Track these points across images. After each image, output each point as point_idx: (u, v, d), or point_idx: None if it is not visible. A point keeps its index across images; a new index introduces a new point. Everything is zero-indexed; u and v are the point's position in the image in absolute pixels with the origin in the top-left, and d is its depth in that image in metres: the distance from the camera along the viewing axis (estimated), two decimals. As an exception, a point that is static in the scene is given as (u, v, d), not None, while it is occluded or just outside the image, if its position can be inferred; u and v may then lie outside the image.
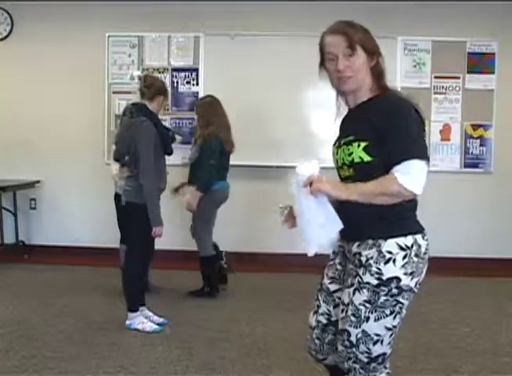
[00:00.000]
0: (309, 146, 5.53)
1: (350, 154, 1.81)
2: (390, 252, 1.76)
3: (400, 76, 5.36)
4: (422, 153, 1.72)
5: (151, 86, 3.63)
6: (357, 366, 1.84)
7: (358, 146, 1.78)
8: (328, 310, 1.99)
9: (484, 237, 5.48)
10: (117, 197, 3.85)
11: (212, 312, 4.00)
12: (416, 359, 3.17)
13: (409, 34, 5.24)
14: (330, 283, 2.00)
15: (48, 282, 4.71)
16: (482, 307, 4.22)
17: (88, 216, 5.69)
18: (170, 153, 3.81)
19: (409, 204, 1.78)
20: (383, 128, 1.74)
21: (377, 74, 1.86)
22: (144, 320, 3.58)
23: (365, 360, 1.82)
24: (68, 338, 3.40)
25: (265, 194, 5.43)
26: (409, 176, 1.68)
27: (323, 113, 5.45)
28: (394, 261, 1.75)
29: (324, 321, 2.00)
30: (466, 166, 5.51)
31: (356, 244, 1.85)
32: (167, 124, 5.55)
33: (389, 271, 1.75)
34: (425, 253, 1.80)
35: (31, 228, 5.82)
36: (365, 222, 1.81)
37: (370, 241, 1.79)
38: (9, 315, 3.81)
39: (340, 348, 1.88)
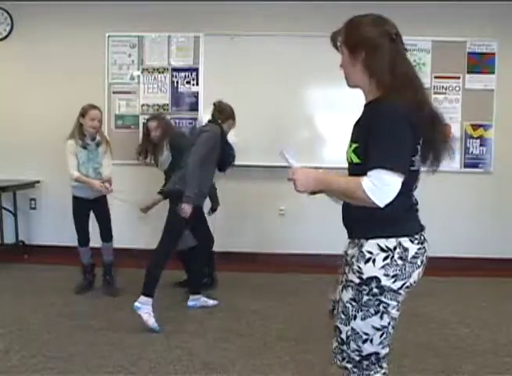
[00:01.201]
0: (310, 146, 5.53)
1: (347, 153, 1.84)
2: (370, 252, 1.76)
3: (400, 76, 5.36)
4: (396, 166, 1.65)
5: (223, 111, 4.16)
6: (350, 365, 1.87)
7: (350, 146, 1.80)
8: (334, 297, 2.05)
9: (484, 237, 5.48)
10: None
11: (212, 312, 4.01)
12: (416, 359, 3.17)
13: (409, 34, 5.17)
14: (340, 273, 2.04)
15: (48, 282, 4.71)
16: (482, 307, 4.23)
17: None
18: (222, 170, 4.18)
19: (400, 206, 1.71)
20: (369, 131, 1.70)
21: (367, 71, 1.78)
22: (151, 312, 3.61)
23: (357, 358, 1.84)
24: (68, 338, 3.41)
25: (265, 194, 5.44)
26: (376, 187, 1.64)
27: (323, 113, 5.48)
28: (373, 261, 1.75)
29: (330, 307, 2.07)
30: (466, 166, 5.51)
31: (348, 241, 1.90)
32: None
33: (368, 270, 1.75)
34: (414, 257, 1.76)
35: (31, 228, 5.82)
36: (353, 222, 1.85)
37: (356, 241, 1.83)
38: (9, 315, 3.82)
39: (334, 344, 1.91)
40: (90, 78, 5.56)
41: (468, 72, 5.45)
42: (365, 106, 1.85)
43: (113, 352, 3.20)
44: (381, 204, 1.65)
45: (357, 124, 1.84)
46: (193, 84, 5.55)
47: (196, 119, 5.53)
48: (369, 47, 1.77)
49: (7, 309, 3.94)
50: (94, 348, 3.25)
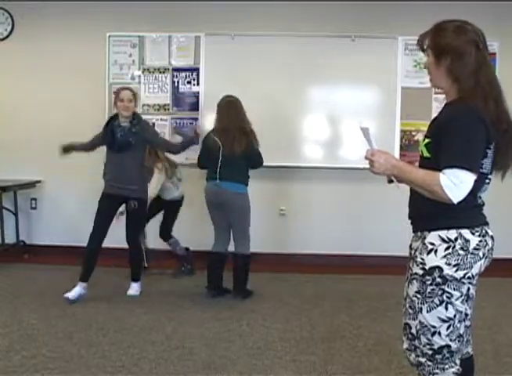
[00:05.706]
0: (310, 145, 5.53)
1: (420, 146, 1.93)
2: (432, 244, 1.84)
3: (400, 76, 5.36)
4: (472, 166, 1.74)
5: None
6: (423, 359, 1.91)
7: (424, 140, 1.89)
8: None
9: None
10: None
11: (212, 312, 4.01)
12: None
13: (409, 34, 5.19)
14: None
15: (48, 282, 4.71)
16: (482, 307, 4.22)
17: (88, 216, 5.67)
18: None
19: (464, 203, 1.77)
20: (444, 130, 1.79)
21: (451, 76, 1.85)
22: None
23: (430, 352, 1.89)
24: (68, 338, 3.41)
25: (265, 194, 5.43)
26: (453, 184, 1.72)
27: (323, 113, 5.47)
28: (435, 251, 1.83)
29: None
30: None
31: (412, 235, 1.98)
32: (167, 123, 5.57)
33: (431, 261, 1.83)
34: (476, 248, 1.84)
35: (32, 228, 5.83)
36: (418, 215, 1.94)
37: (419, 234, 1.92)
38: (9, 315, 3.82)
39: (405, 344, 1.97)
40: (91, 78, 5.56)
41: (469, 72, 5.44)
42: (445, 105, 1.91)
43: (113, 352, 3.20)
44: (455, 201, 1.73)
45: (433, 122, 1.90)
46: (194, 84, 5.55)
47: (196, 119, 5.53)
48: (454, 54, 1.83)
49: (7, 309, 3.94)
50: (94, 349, 3.25)
